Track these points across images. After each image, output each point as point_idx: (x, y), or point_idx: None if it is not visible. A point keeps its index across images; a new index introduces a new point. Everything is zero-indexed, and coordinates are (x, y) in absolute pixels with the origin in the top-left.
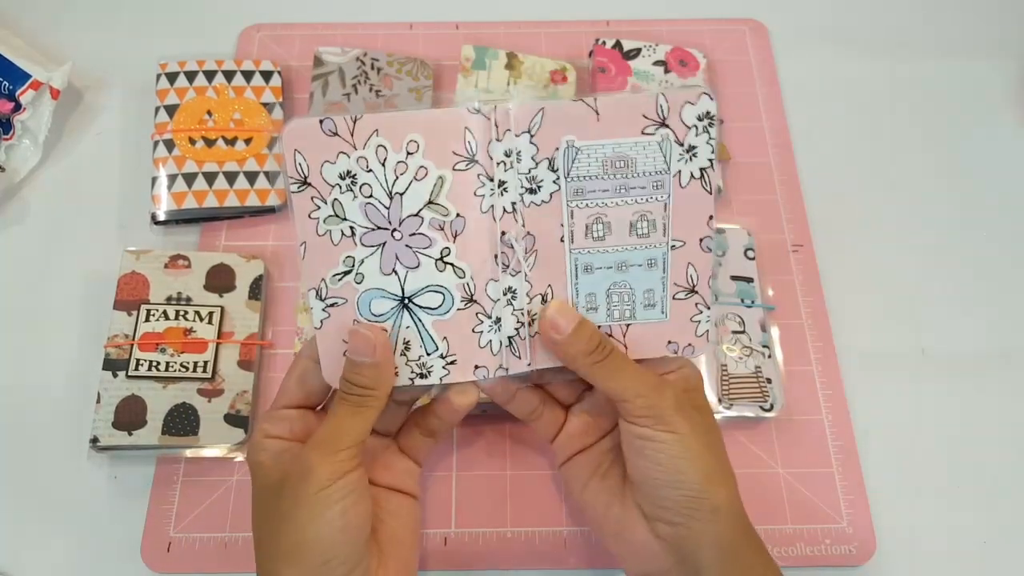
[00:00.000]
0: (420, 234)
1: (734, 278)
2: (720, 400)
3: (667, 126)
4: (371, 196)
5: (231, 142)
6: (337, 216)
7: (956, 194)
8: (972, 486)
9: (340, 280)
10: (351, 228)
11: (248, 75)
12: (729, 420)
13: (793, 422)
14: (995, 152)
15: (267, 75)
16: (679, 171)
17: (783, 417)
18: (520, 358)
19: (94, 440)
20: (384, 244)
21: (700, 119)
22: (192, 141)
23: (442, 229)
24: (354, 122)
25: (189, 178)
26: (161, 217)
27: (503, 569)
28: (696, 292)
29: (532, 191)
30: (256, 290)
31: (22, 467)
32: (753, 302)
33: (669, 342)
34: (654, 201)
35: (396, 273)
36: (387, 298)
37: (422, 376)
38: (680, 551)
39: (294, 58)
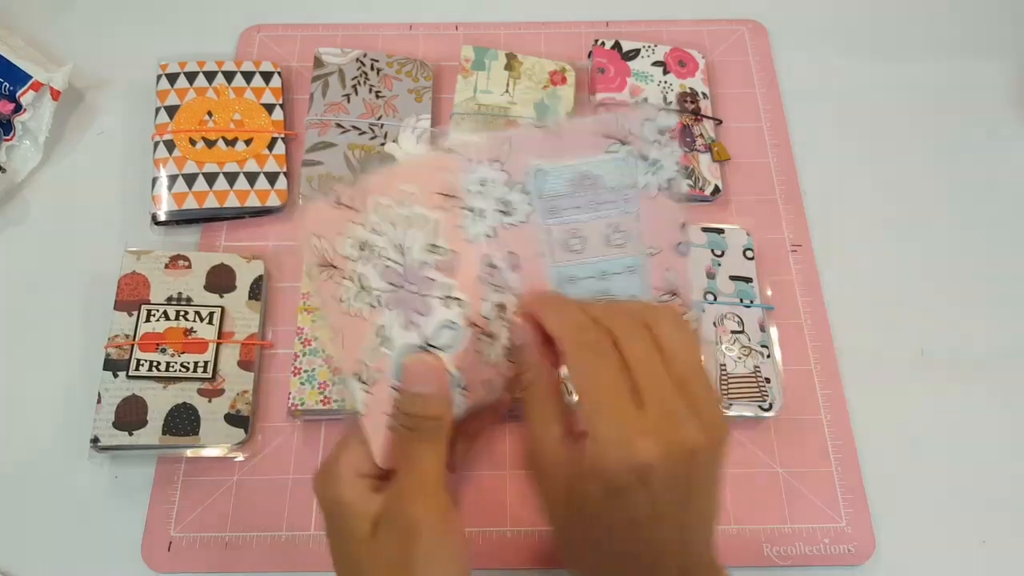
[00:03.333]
0: (426, 279)
1: (733, 278)
2: (719, 400)
3: (628, 143)
4: (386, 257)
5: (231, 143)
6: (364, 289)
7: (956, 194)
8: (971, 486)
9: (375, 355)
10: (378, 298)
11: (248, 76)
12: (728, 420)
13: (792, 422)
14: (995, 152)
15: (267, 76)
16: (646, 183)
17: (782, 417)
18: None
19: (95, 440)
20: (402, 301)
21: (661, 133)
22: (192, 142)
23: (443, 269)
24: (352, 187)
25: (189, 179)
26: (161, 217)
27: (503, 569)
28: (676, 295)
29: (506, 214)
30: (256, 290)
31: (22, 467)
32: (752, 302)
33: None
34: (625, 214)
35: (414, 324)
36: (413, 351)
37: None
38: None
39: (294, 59)
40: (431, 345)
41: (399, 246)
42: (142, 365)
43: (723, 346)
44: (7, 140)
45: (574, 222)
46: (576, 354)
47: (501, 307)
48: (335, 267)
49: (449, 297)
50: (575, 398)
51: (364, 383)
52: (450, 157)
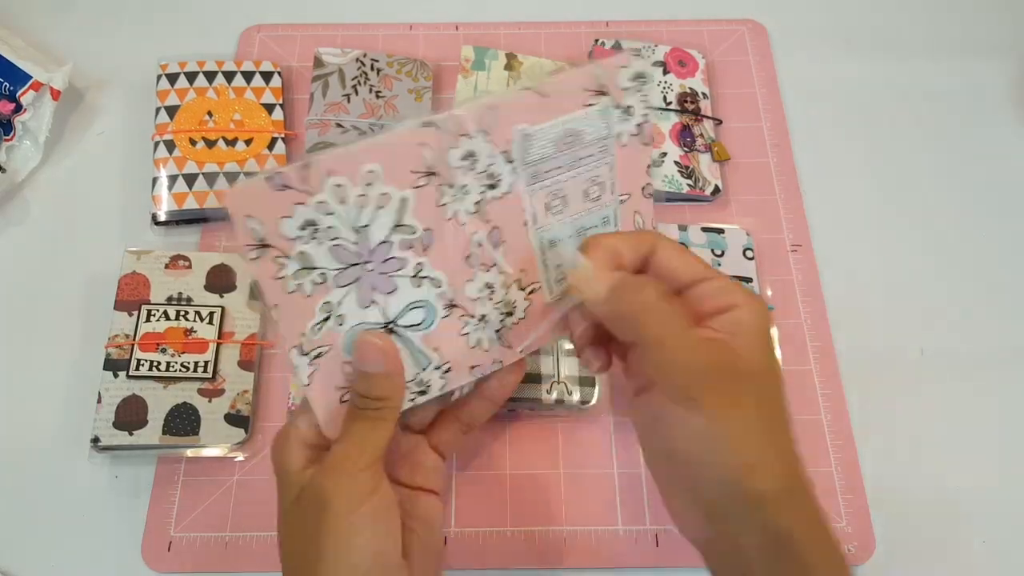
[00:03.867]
0: (392, 258)
1: (733, 278)
2: None
3: (605, 93)
4: (337, 237)
5: (231, 143)
6: (306, 268)
7: (956, 194)
8: (971, 485)
9: (320, 329)
10: (322, 275)
11: (248, 76)
12: None
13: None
14: (995, 152)
15: (267, 76)
16: (620, 132)
17: None
18: (511, 347)
19: (95, 440)
20: (358, 279)
21: (633, 80)
22: (193, 142)
23: (411, 248)
24: (306, 169)
25: (190, 179)
26: (162, 217)
27: (503, 569)
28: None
29: (492, 187)
30: (257, 290)
31: (23, 467)
32: None
33: None
34: (602, 165)
35: (375, 303)
36: (371, 330)
37: (422, 393)
38: (719, 545)
39: (294, 59)
40: (398, 324)
41: (353, 225)
42: (142, 365)
43: None
44: (7, 140)
45: (556, 183)
46: (666, 243)
47: (488, 287)
48: (271, 246)
49: (419, 276)
50: (540, 394)
51: (306, 355)
52: (429, 131)
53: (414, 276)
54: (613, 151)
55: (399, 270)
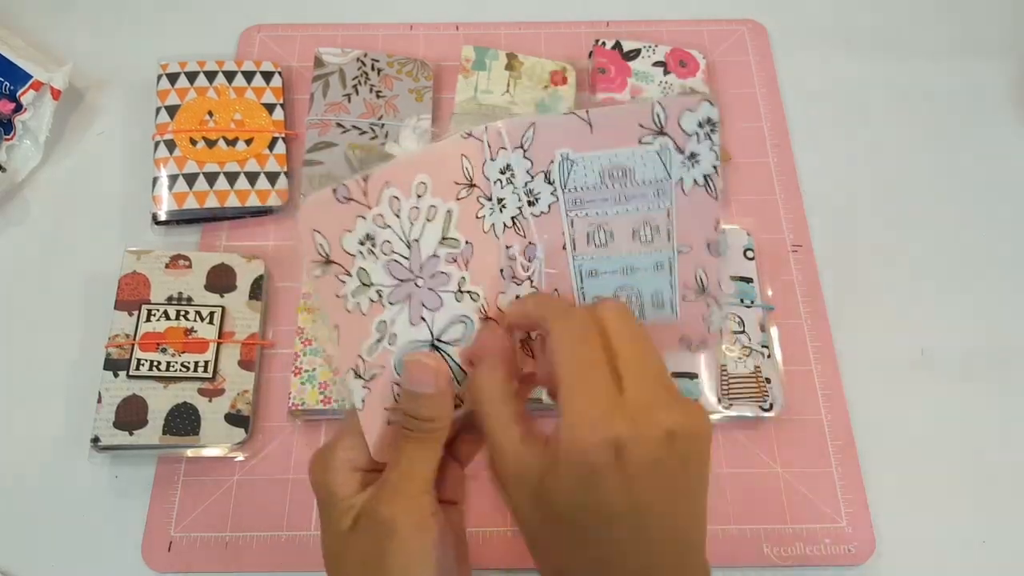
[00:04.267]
0: (439, 273)
1: (734, 278)
2: (720, 400)
3: (665, 134)
4: (392, 252)
5: (232, 143)
6: (364, 284)
7: (956, 194)
8: (971, 485)
9: (375, 350)
10: (378, 292)
11: (249, 76)
12: (729, 420)
13: (792, 422)
14: (995, 152)
15: (268, 76)
16: (681, 178)
17: (782, 417)
18: (532, 357)
19: (95, 440)
20: (410, 296)
21: (701, 125)
22: (193, 142)
23: (455, 261)
24: (365, 181)
25: (190, 178)
26: (162, 217)
27: (503, 569)
28: (706, 292)
29: (531, 203)
30: (257, 290)
31: (22, 467)
32: (752, 302)
33: (681, 338)
34: (657, 209)
35: (424, 320)
36: (418, 348)
37: (456, 407)
38: None
39: (295, 59)
40: (441, 340)
41: (407, 239)
42: (142, 365)
43: (724, 346)
44: (7, 140)
45: (601, 215)
46: (561, 329)
47: (518, 300)
48: (335, 263)
49: (461, 291)
50: (540, 395)
51: (362, 378)
52: (470, 143)
53: (457, 291)
54: (672, 196)
55: (445, 285)
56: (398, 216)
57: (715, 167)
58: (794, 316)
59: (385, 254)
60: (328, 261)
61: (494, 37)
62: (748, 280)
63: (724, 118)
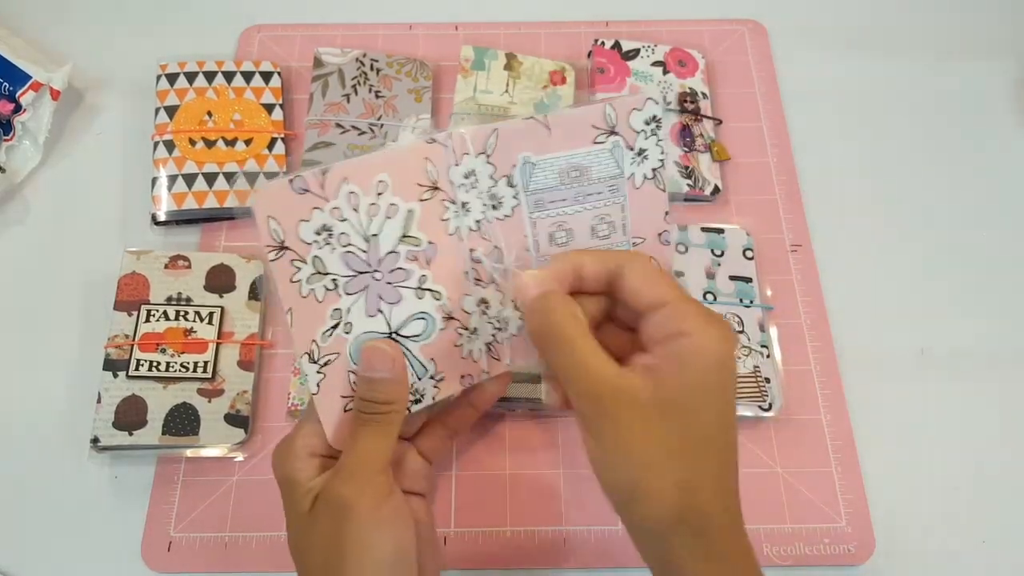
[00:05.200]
0: (398, 269)
1: (733, 278)
2: None
3: (616, 133)
4: (349, 244)
5: (231, 143)
6: (319, 272)
7: (955, 194)
8: (971, 485)
9: (330, 336)
10: (334, 281)
11: (248, 76)
12: None
13: (792, 422)
14: (995, 152)
15: (267, 76)
16: (632, 174)
17: (782, 417)
18: (499, 359)
19: (95, 440)
20: (367, 288)
21: (647, 123)
22: (192, 142)
23: (416, 259)
24: (324, 174)
25: (189, 179)
26: (161, 218)
27: (503, 569)
28: None
29: (494, 207)
30: (256, 290)
31: (22, 467)
32: (752, 302)
33: None
34: (612, 204)
35: (381, 312)
36: (375, 338)
37: (416, 402)
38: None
39: (294, 59)
40: (399, 334)
41: (365, 233)
42: (142, 365)
43: None
44: (7, 140)
45: (561, 214)
46: (644, 263)
47: (484, 302)
48: (289, 249)
49: (422, 288)
50: (540, 394)
51: (316, 363)
52: (434, 147)
53: (418, 288)
54: (624, 192)
55: (404, 281)
56: (356, 211)
57: (661, 161)
58: (793, 316)
59: (342, 245)
60: (282, 247)
61: (493, 37)
62: (747, 280)
63: (724, 118)
